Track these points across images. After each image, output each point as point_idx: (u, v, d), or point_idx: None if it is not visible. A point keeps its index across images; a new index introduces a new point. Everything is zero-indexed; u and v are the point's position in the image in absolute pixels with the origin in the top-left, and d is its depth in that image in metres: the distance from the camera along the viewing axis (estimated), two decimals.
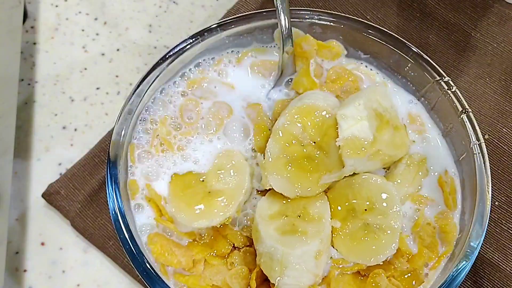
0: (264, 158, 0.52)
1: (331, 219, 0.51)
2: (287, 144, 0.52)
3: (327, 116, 0.53)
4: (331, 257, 0.51)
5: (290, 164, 0.52)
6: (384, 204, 0.51)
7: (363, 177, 0.52)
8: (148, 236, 0.51)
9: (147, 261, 0.48)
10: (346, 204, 0.52)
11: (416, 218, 0.53)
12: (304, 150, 0.52)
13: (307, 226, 0.50)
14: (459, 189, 0.54)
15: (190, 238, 0.52)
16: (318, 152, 0.52)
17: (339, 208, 0.52)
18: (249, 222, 0.53)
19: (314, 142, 0.52)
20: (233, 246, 0.52)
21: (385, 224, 0.50)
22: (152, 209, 0.52)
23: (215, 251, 0.51)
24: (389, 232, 0.50)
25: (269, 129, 0.55)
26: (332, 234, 0.51)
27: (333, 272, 0.51)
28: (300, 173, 0.51)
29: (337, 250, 0.51)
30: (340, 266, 0.51)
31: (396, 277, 0.50)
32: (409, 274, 0.50)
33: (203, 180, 0.53)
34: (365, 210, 0.51)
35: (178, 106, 0.56)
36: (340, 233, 0.51)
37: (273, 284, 0.48)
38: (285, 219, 0.50)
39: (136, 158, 0.53)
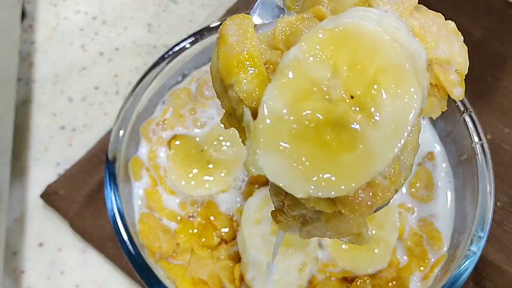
0: (254, 119, 0.28)
1: None
2: (300, 96, 0.28)
3: (383, 50, 0.28)
4: (318, 260, 0.51)
5: (302, 134, 0.28)
6: (382, 216, 0.51)
7: None
8: (141, 214, 0.52)
9: (146, 261, 0.47)
10: None
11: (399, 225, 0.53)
12: (332, 110, 0.28)
13: (292, 236, 0.49)
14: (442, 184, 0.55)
15: (172, 220, 0.53)
16: (359, 115, 0.27)
17: None
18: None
19: (352, 97, 0.28)
20: (221, 239, 0.52)
21: (381, 236, 0.50)
22: (150, 182, 0.54)
23: (203, 239, 0.52)
24: (383, 245, 0.50)
25: (267, 69, 0.30)
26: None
27: (316, 277, 0.51)
28: (321, 152, 0.27)
29: (328, 251, 0.51)
30: (327, 270, 0.51)
31: (382, 286, 0.50)
32: (394, 282, 0.51)
33: (202, 150, 0.55)
34: None
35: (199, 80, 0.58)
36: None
37: None
38: (271, 225, 0.50)
39: (150, 133, 0.56)
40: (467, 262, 0.48)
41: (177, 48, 0.55)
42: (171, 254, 0.51)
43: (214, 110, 0.58)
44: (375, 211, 0.30)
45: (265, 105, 0.28)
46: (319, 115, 0.27)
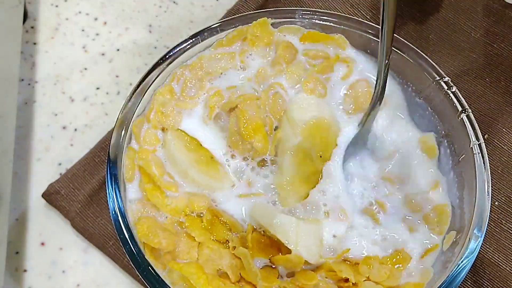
0: (280, 177, 0.52)
1: None
2: (300, 161, 0.53)
3: (331, 129, 0.54)
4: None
5: (304, 181, 0.52)
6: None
7: None
8: (138, 215, 0.50)
9: (147, 261, 0.48)
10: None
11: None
12: (314, 165, 0.53)
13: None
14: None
15: (174, 215, 0.51)
16: (322, 165, 0.53)
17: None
18: None
19: (321, 156, 0.53)
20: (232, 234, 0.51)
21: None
22: (146, 179, 0.52)
23: (214, 236, 0.51)
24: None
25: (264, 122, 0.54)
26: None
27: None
28: (309, 187, 0.52)
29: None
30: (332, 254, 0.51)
31: (385, 262, 0.50)
32: (397, 258, 0.51)
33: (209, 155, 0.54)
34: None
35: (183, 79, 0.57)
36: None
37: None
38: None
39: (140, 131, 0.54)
40: (465, 261, 0.48)
41: (178, 49, 0.55)
42: (171, 249, 0.49)
43: (199, 106, 0.56)
44: None
45: (284, 171, 0.53)
46: (309, 169, 0.53)
